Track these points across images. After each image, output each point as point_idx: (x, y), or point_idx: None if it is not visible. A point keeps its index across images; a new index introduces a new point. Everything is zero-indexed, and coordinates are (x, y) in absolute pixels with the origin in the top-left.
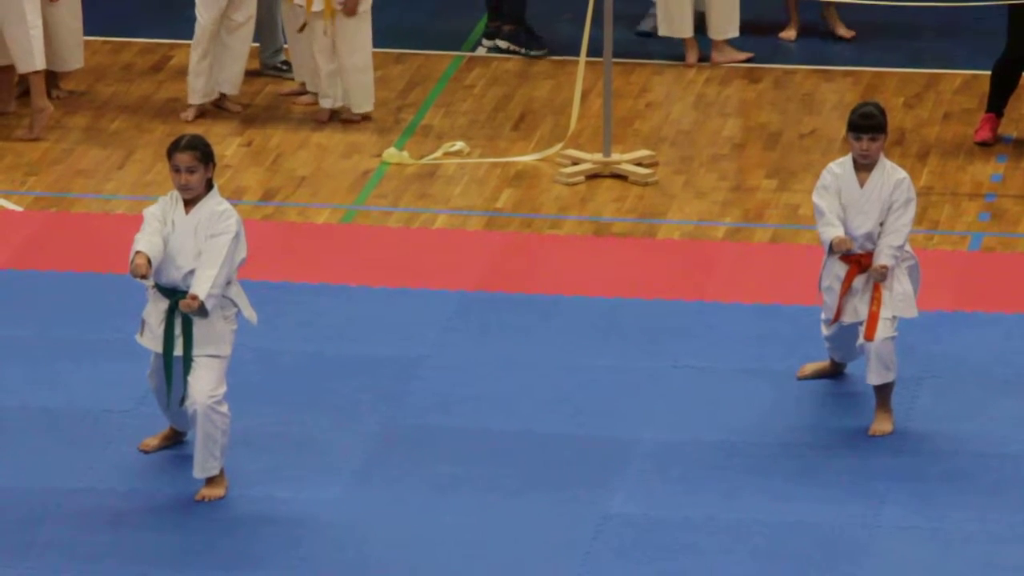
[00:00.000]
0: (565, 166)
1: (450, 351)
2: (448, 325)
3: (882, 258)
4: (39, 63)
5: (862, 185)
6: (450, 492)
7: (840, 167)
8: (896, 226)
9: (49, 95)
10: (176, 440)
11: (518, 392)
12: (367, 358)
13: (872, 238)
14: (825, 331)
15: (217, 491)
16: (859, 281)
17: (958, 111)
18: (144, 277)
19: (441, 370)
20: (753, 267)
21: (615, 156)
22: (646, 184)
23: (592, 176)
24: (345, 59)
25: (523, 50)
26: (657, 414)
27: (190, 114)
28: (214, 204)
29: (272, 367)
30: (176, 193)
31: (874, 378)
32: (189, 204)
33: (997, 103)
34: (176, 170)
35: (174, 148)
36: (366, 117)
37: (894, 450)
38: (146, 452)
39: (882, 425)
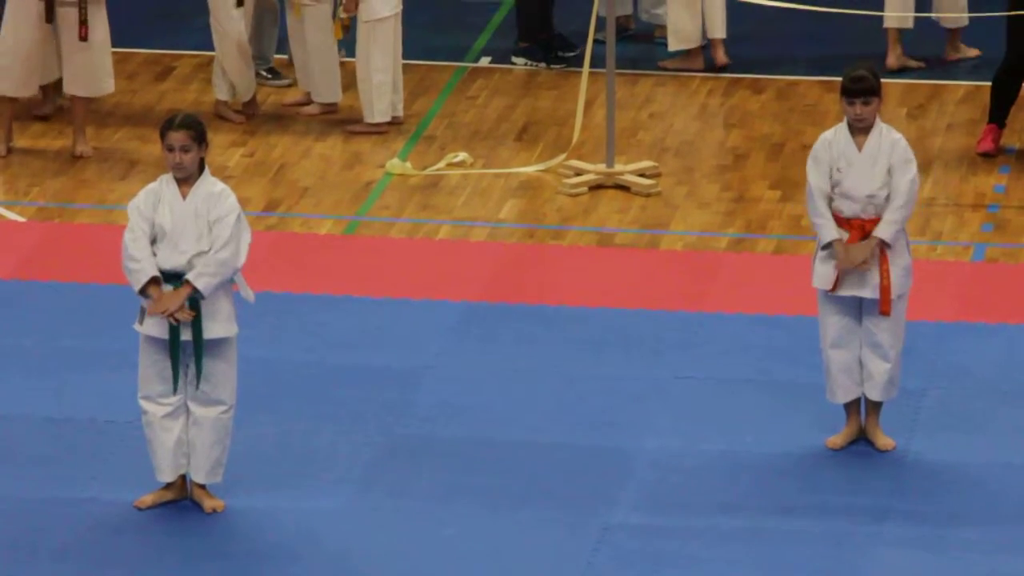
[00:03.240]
0: (568, 177)
1: (453, 361)
2: (451, 335)
3: (881, 230)
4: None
5: (860, 148)
6: (452, 502)
7: (833, 133)
8: (899, 188)
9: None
10: (175, 497)
11: (521, 402)
12: (370, 368)
13: (875, 200)
14: (824, 345)
15: (219, 501)
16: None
17: (961, 122)
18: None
19: (444, 380)
20: (756, 278)
21: (618, 167)
22: (649, 195)
23: (595, 187)
24: (357, 66)
25: (541, 65)
26: (660, 424)
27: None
28: (209, 185)
29: (275, 377)
30: (167, 176)
31: (881, 394)
32: (183, 184)
33: (999, 114)
34: (170, 149)
35: (167, 127)
36: (374, 129)
37: (897, 461)
38: (141, 509)
39: (887, 440)
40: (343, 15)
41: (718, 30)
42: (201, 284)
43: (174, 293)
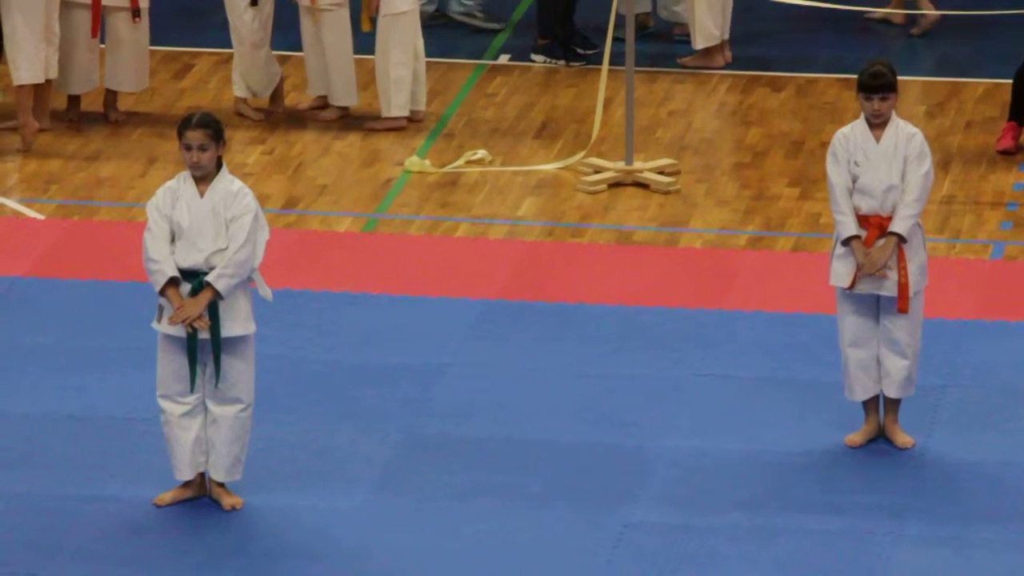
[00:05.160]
0: (587, 174)
1: (472, 359)
2: (470, 333)
3: (896, 225)
4: (23, 77)
5: (878, 141)
6: (471, 500)
7: (850, 128)
8: (912, 181)
9: (107, 116)
10: (194, 495)
11: (540, 400)
12: (389, 366)
13: (893, 194)
14: (843, 343)
15: (238, 498)
16: (878, 245)
17: (980, 120)
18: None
19: (463, 378)
20: (775, 276)
21: (637, 164)
22: (668, 192)
23: (614, 184)
24: (376, 60)
25: (561, 62)
26: (679, 423)
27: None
28: (227, 183)
29: (293, 375)
30: (185, 174)
31: (899, 391)
32: (201, 183)
33: (1019, 112)
34: (187, 148)
35: (185, 126)
36: (392, 124)
37: (916, 459)
38: (160, 506)
39: (906, 438)
40: (369, 13)
41: (725, 30)
42: (221, 286)
43: (195, 300)
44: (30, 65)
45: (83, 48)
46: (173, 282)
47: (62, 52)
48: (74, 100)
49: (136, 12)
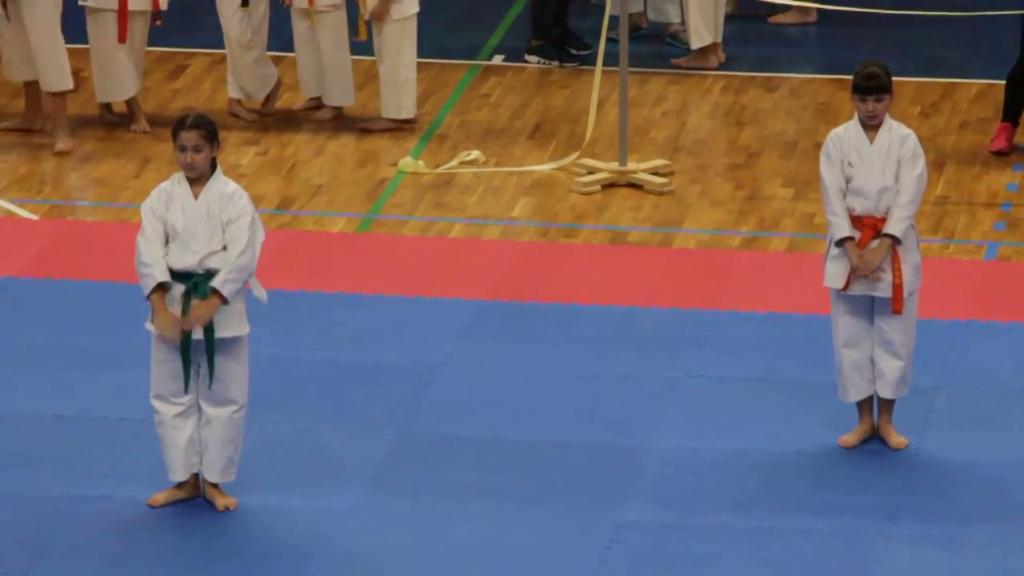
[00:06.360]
0: (581, 175)
1: (465, 360)
2: (464, 334)
3: (891, 227)
4: (55, 85)
5: (872, 142)
6: (465, 501)
7: (844, 129)
8: (906, 183)
9: (101, 117)
10: (188, 496)
11: (533, 401)
12: (383, 367)
13: (886, 195)
14: (837, 344)
15: (232, 499)
16: (872, 247)
17: (974, 120)
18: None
19: (456, 379)
20: (769, 276)
21: (631, 165)
22: (662, 193)
23: (608, 185)
24: (385, 63)
25: (555, 63)
26: (672, 423)
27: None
28: (221, 185)
29: (287, 376)
30: (179, 175)
31: (893, 392)
32: (195, 184)
33: (1012, 112)
34: (182, 149)
35: (179, 127)
36: (395, 124)
37: (909, 459)
38: (153, 507)
39: (900, 438)
40: (370, 19)
41: (718, 33)
42: (227, 291)
43: (206, 305)
44: (61, 70)
45: (112, 54)
46: (161, 287)
47: (95, 61)
48: (106, 105)
49: (158, 15)
